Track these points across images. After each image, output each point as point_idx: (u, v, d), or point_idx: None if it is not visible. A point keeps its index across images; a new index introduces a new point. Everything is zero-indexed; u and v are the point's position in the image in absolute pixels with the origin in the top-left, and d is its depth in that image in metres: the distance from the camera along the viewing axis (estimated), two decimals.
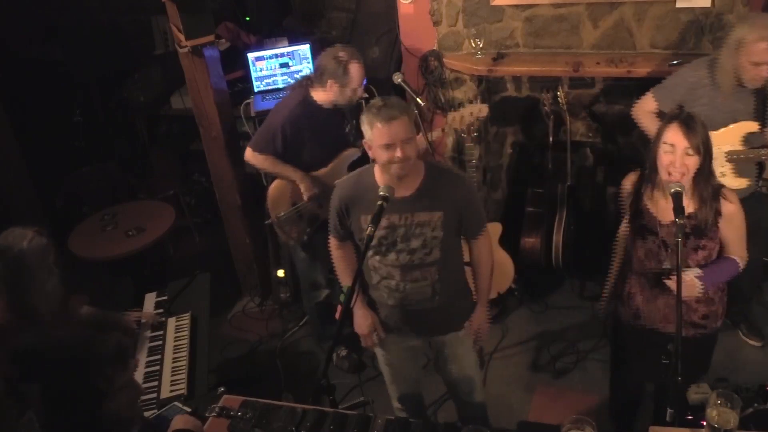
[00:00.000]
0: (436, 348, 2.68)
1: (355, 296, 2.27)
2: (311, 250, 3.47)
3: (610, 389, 2.95)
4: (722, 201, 2.27)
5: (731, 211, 2.28)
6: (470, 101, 3.46)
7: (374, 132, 2.21)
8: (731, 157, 2.87)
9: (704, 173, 2.23)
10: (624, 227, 2.50)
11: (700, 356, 2.51)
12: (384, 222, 2.31)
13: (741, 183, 2.92)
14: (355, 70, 3.13)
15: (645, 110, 3.03)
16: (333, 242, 2.61)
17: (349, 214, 2.43)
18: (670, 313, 2.43)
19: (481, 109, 3.26)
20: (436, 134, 3.51)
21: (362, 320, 2.58)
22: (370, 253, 2.40)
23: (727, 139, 2.86)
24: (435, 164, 2.44)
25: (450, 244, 2.41)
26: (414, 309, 2.48)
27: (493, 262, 2.59)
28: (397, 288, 2.45)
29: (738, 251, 2.35)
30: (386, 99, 2.25)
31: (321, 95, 3.19)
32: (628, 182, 2.45)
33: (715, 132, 2.84)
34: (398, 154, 2.19)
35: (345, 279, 2.61)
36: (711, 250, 2.33)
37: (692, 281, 2.26)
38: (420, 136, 3.21)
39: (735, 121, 2.85)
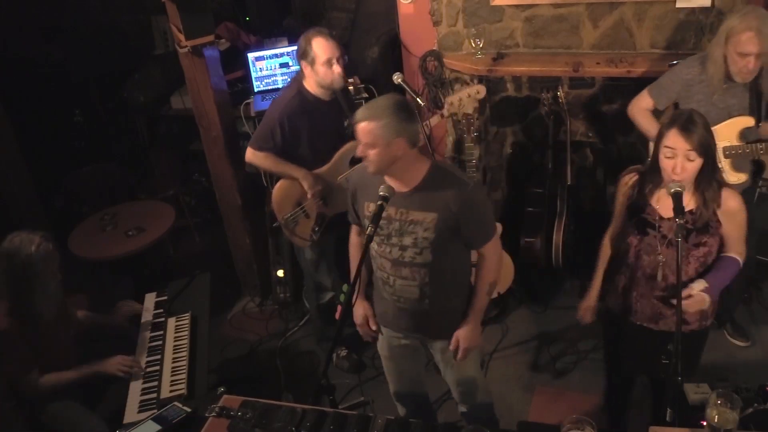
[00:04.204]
0: (432, 351, 2.67)
1: (357, 291, 2.31)
2: (318, 252, 3.46)
3: (606, 380, 2.95)
4: (724, 196, 2.27)
5: (733, 206, 2.28)
6: (467, 83, 3.43)
7: None
8: (728, 152, 2.88)
9: (707, 172, 2.24)
10: (613, 227, 2.52)
11: (687, 353, 2.51)
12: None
13: (739, 178, 2.94)
14: (317, 44, 3.05)
15: (641, 108, 3.06)
16: (353, 229, 2.66)
17: (356, 200, 2.49)
18: (660, 313, 2.44)
19: (479, 90, 3.22)
20: (435, 120, 3.46)
21: (357, 310, 2.63)
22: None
23: (723, 134, 2.86)
24: (442, 166, 2.42)
25: (445, 250, 2.37)
26: (404, 307, 2.48)
27: (495, 279, 2.50)
28: (387, 281, 2.47)
29: (738, 248, 2.35)
30: (380, 98, 2.31)
31: (309, 83, 3.17)
32: (627, 180, 2.45)
33: (712, 128, 2.85)
34: (359, 150, 2.28)
35: (354, 268, 2.62)
36: (711, 247, 2.33)
37: (700, 296, 2.26)
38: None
39: (730, 116, 2.86)
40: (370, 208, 2.39)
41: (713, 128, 2.80)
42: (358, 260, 2.57)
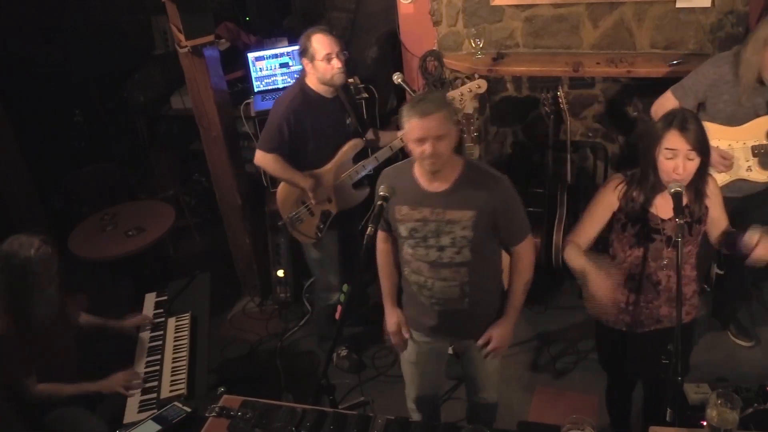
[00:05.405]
0: (461, 350, 2.65)
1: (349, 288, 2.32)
2: (323, 251, 3.46)
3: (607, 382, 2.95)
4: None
5: (714, 189, 2.36)
6: (468, 78, 3.42)
7: (408, 126, 2.21)
8: (757, 151, 2.88)
9: (703, 169, 2.25)
10: (586, 231, 2.44)
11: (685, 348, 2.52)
12: (416, 214, 2.33)
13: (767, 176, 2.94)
14: (316, 40, 3.05)
15: (666, 108, 3.02)
16: (380, 235, 2.56)
17: (388, 204, 2.40)
18: (667, 314, 2.43)
19: (480, 84, 3.20)
20: None
21: (389, 317, 2.59)
22: (403, 244, 2.43)
23: (751, 133, 2.87)
24: (475, 163, 2.41)
25: (483, 247, 2.36)
26: (443, 309, 2.45)
27: (530, 279, 2.48)
28: (425, 284, 2.42)
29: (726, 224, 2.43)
30: (427, 93, 2.27)
31: (311, 80, 3.16)
32: (615, 186, 2.39)
33: (739, 127, 2.87)
34: (427, 149, 2.19)
35: (384, 275, 2.61)
36: (701, 235, 2.40)
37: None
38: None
39: (757, 115, 2.85)
40: (402, 210, 2.35)
41: (741, 127, 2.83)
42: (386, 266, 2.59)
